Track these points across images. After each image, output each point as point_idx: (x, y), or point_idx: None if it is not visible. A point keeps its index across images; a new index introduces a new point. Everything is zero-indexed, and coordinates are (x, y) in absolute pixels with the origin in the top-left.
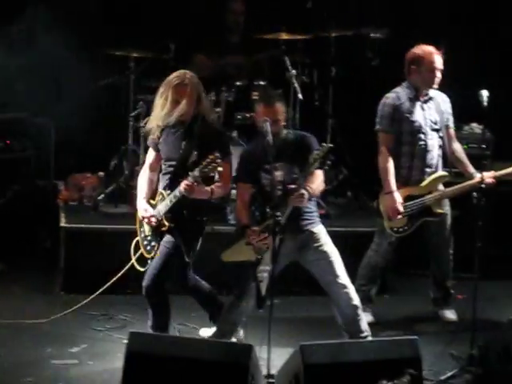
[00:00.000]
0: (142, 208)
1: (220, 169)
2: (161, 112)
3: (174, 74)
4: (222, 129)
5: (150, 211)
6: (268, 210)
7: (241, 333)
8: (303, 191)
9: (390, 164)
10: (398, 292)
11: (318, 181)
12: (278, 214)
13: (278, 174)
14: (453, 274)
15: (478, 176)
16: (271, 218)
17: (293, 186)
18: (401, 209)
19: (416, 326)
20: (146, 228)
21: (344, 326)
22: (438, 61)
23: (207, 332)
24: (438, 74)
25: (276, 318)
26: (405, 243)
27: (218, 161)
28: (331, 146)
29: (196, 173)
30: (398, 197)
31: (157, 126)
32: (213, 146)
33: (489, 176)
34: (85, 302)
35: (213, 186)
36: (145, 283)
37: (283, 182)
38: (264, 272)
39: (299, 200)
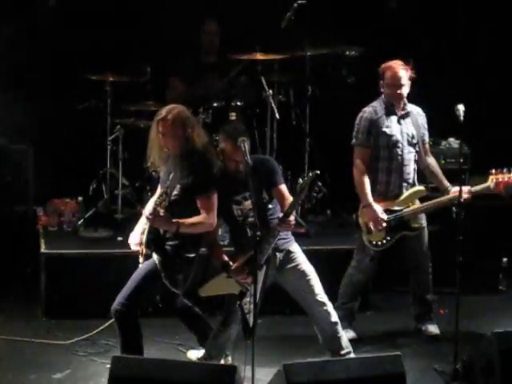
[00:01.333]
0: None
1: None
2: (152, 147)
3: (161, 109)
4: (208, 163)
5: (135, 237)
6: (258, 236)
7: (229, 357)
8: (292, 217)
9: (365, 177)
10: (380, 308)
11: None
12: (264, 242)
13: (248, 203)
14: (434, 288)
15: (453, 190)
16: (255, 247)
17: (281, 214)
18: (384, 217)
19: (399, 342)
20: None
21: (324, 343)
22: (399, 75)
23: (195, 354)
24: (400, 89)
25: (259, 337)
26: (386, 259)
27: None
28: (317, 172)
29: (157, 201)
30: (378, 207)
31: (156, 161)
32: (193, 180)
33: (464, 192)
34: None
35: (184, 220)
36: (113, 306)
37: (258, 210)
38: (250, 303)
39: (290, 226)
